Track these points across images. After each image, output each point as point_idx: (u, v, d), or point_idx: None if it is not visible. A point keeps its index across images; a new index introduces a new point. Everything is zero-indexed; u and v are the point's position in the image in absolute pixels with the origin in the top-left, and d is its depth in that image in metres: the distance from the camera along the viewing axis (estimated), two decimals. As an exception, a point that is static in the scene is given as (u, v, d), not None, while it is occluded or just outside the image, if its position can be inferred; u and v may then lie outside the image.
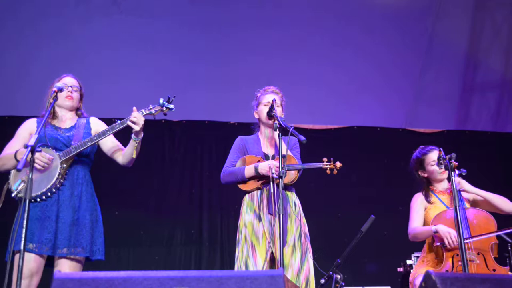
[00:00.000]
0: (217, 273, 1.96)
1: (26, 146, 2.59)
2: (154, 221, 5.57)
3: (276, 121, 3.09)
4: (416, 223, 3.52)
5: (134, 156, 3.06)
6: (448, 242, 3.22)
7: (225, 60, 5.63)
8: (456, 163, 3.08)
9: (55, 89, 2.95)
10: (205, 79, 5.68)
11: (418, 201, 3.62)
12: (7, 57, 5.32)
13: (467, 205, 3.51)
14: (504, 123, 6.27)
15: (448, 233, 3.24)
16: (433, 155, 3.54)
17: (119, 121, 3.01)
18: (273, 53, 5.63)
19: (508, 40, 5.95)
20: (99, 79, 5.13)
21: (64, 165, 2.96)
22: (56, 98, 2.96)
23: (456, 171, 3.21)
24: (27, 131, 3.10)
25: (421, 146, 3.70)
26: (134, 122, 2.96)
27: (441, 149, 3.55)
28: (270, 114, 3.25)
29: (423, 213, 3.57)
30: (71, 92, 3.15)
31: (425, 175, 3.63)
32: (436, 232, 3.31)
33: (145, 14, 5.39)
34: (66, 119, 3.17)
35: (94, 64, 5.27)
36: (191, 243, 5.60)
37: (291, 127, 2.99)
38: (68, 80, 3.19)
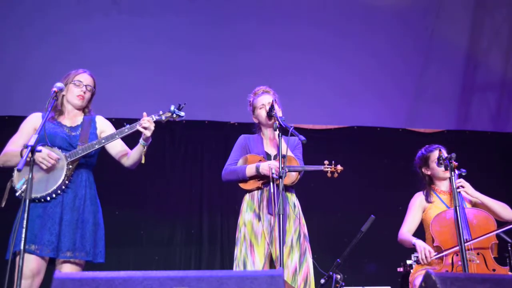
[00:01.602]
0: (217, 273, 1.97)
1: (26, 146, 2.58)
2: (154, 221, 5.56)
3: (276, 121, 3.10)
4: (407, 227, 3.56)
5: (143, 161, 3.06)
6: (421, 258, 3.28)
7: (226, 59, 5.63)
8: (456, 163, 3.09)
9: (55, 89, 2.91)
10: (205, 78, 5.67)
11: (416, 202, 3.62)
12: (5, 56, 5.31)
13: (468, 205, 3.51)
14: (504, 123, 6.26)
15: (424, 248, 3.29)
16: (438, 153, 3.55)
17: (128, 125, 3.00)
18: (274, 50, 5.62)
19: (508, 40, 5.94)
20: (98, 78, 5.12)
21: (70, 167, 2.94)
22: (56, 98, 2.94)
23: (456, 171, 3.21)
24: (32, 126, 3.06)
25: (427, 145, 3.72)
26: (145, 128, 2.96)
27: (441, 149, 3.56)
28: (270, 114, 3.25)
29: (419, 217, 3.59)
30: (84, 92, 3.12)
31: (429, 172, 3.64)
32: (414, 245, 3.38)
33: (144, 12, 5.38)
34: (72, 116, 3.14)
35: (93, 63, 5.24)
36: (191, 243, 5.59)
37: (291, 127, 2.99)
38: (85, 78, 3.15)
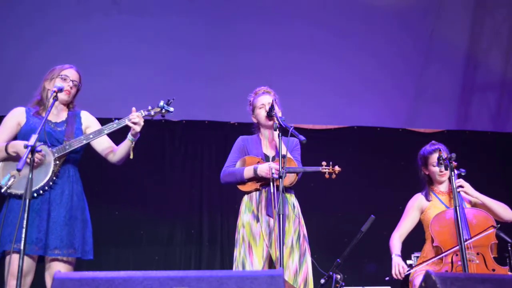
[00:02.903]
0: (217, 273, 1.97)
1: (26, 146, 2.57)
2: (154, 221, 5.56)
3: (276, 121, 3.09)
4: (399, 232, 3.60)
5: (132, 157, 3.04)
6: (394, 273, 3.37)
7: (226, 59, 5.62)
8: (456, 163, 3.09)
9: (55, 89, 2.92)
10: (205, 78, 5.67)
11: (414, 204, 3.63)
12: (5, 56, 5.30)
13: (468, 205, 3.51)
14: (504, 123, 6.26)
15: (398, 265, 3.38)
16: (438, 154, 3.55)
17: (116, 120, 2.98)
18: (274, 50, 5.61)
19: (508, 40, 5.94)
20: (98, 78, 5.13)
21: (57, 162, 2.91)
22: (56, 98, 2.94)
23: (456, 171, 3.22)
24: (16, 120, 3.05)
25: (432, 141, 3.70)
26: (135, 123, 2.95)
27: (441, 150, 3.55)
28: (270, 114, 3.24)
29: (414, 220, 3.62)
30: (70, 87, 3.09)
31: (427, 173, 3.65)
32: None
33: (144, 12, 5.38)
34: (57, 112, 3.11)
35: (93, 63, 5.25)
36: (191, 243, 5.59)
37: (291, 127, 2.99)
38: (71, 73, 3.12)
